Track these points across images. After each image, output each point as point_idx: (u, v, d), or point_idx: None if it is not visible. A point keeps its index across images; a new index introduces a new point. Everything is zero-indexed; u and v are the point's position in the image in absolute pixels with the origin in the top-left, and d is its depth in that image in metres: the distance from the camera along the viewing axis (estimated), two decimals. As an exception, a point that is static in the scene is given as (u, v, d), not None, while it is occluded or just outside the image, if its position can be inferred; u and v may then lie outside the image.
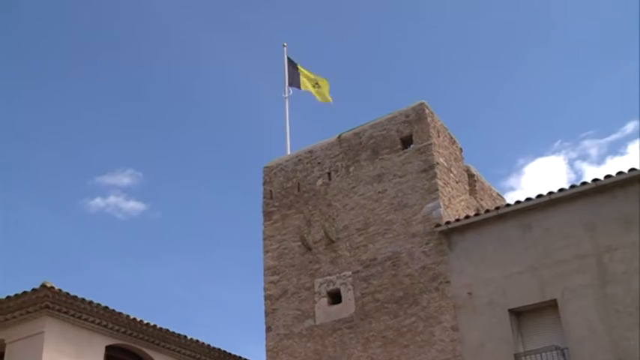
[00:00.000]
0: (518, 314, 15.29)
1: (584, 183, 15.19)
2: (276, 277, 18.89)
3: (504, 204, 17.58)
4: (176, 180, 45.53)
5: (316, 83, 22.54)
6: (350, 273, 17.85)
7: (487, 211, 16.72)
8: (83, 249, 42.59)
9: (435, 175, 17.50)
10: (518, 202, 15.96)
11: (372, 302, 17.24)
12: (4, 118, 41.86)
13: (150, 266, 43.35)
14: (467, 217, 16.70)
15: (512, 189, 47.08)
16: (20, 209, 41.35)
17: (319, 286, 18.15)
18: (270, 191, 20.04)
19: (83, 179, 45.90)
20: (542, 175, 46.51)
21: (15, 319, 15.71)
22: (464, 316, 15.78)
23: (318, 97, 22.48)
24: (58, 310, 15.72)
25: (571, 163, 46.82)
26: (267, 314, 18.65)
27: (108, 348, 16.70)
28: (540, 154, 51.57)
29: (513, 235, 15.74)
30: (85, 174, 45.95)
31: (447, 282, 16.35)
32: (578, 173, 45.33)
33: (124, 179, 47.34)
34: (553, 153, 48.58)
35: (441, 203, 17.18)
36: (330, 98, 22.61)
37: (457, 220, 16.72)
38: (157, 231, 44.57)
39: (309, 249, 18.64)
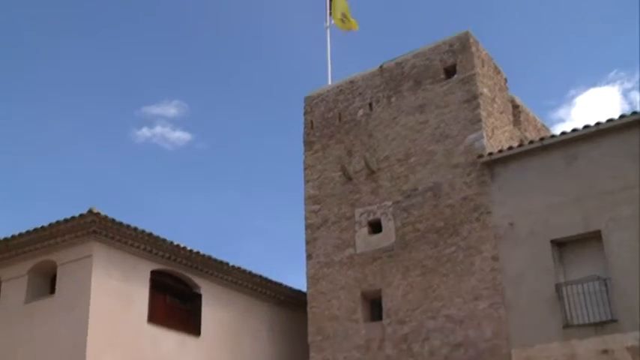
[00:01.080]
0: (560, 245, 15.27)
1: (635, 113, 14.85)
2: (316, 207, 19.06)
3: (549, 135, 17.30)
4: (221, 110, 45.67)
5: (343, 15, 21.88)
6: (390, 203, 17.93)
7: (531, 142, 16.52)
8: (130, 178, 43.31)
9: (478, 106, 17.28)
10: (563, 132, 15.72)
11: (413, 232, 17.35)
12: (51, 49, 42.17)
13: (195, 196, 44.02)
14: (510, 148, 16.53)
15: (561, 120, 46.10)
16: (69, 139, 42.06)
17: (360, 216, 18.29)
18: (311, 121, 20.03)
19: (130, 109, 46.24)
20: (594, 106, 45.22)
21: (65, 243, 16.18)
22: (504, 246, 15.81)
23: (341, 26, 21.86)
24: (105, 236, 16.13)
25: (625, 94, 45.35)
26: (308, 243, 18.92)
27: (153, 273, 17.15)
28: (593, 85, 50.04)
29: (557, 166, 15.57)
30: (132, 104, 46.26)
31: (488, 212, 16.34)
32: (632, 104, 44.04)
33: (171, 110, 47.66)
34: (607, 83, 47.04)
35: (484, 134, 17.00)
36: (353, 25, 22.01)
37: (500, 151, 16.56)
38: (203, 161, 44.99)
39: (350, 179, 18.72)
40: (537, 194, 15.66)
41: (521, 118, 19.44)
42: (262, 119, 45.81)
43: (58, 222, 16.02)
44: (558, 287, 14.76)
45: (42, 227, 16.16)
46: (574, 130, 15.50)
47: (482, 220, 16.42)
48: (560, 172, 15.50)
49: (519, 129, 19.14)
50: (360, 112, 19.24)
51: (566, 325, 14.47)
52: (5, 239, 16.47)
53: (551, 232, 15.24)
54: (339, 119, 19.55)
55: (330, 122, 19.70)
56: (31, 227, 16.29)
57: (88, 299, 15.53)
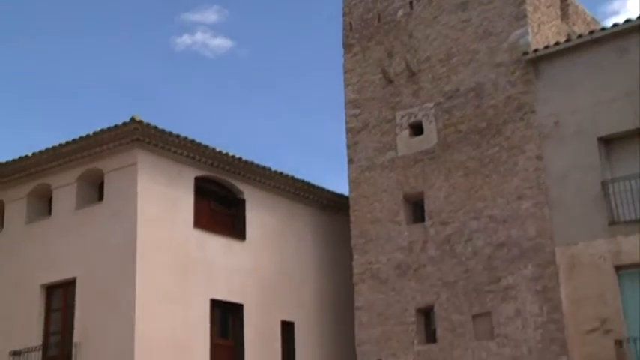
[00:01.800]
0: (608, 142, 14.95)
1: (690, 1, 14.11)
2: (357, 111, 18.90)
3: (599, 28, 16.61)
4: (260, 16, 44.88)
5: None
6: (432, 104, 17.66)
7: (580, 36, 15.93)
8: (172, 86, 43.29)
9: (523, 1, 16.62)
10: (615, 25, 15.07)
11: (455, 133, 17.14)
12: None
13: (236, 103, 43.99)
14: (557, 43, 15.97)
15: (615, 13, 43.99)
16: (111, 49, 42.05)
17: (401, 119, 18.10)
18: (350, 23, 19.58)
19: (170, 16, 45.68)
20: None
21: (110, 151, 16.47)
22: (549, 145, 15.55)
23: None
24: (149, 143, 16.33)
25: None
26: (349, 147, 18.89)
27: (197, 179, 17.42)
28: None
29: (607, 60, 15.03)
30: (172, 11, 45.52)
31: (533, 112, 16.00)
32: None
33: (211, 16, 47.01)
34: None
35: (530, 30, 16.43)
36: None
37: (546, 47, 16.02)
38: (244, 68, 44.61)
39: (390, 81, 18.43)
40: (585, 91, 15.21)
41: (570, 12, 18.64)
42: (301, 23, 45.00)
43: (102, 130, 16.25)
44: (604, 184, 14.54)
45: (87, 136, 16.42)
46: (627, 21, 14.83)
47: (526, 120, 16.10)
48: (610, 67, 14.96)
49: (567, 23, 18.40)
50: (400, 12, 18.70)
51: (612, 222, 14.34)
52: (53, 148, 16.83)
53: (598, 130, 14.89)
54: (379, 20, 19.06)
55: (369, 23, 19.23)
56: (77, 136, 16.60)
57: (135, 205, 15.91)
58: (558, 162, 15.31)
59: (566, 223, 14.89)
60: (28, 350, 15.96)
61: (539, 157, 15.71)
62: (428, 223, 17.21)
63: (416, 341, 16.81)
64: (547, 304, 15.04)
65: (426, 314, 17.07)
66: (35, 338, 16.27)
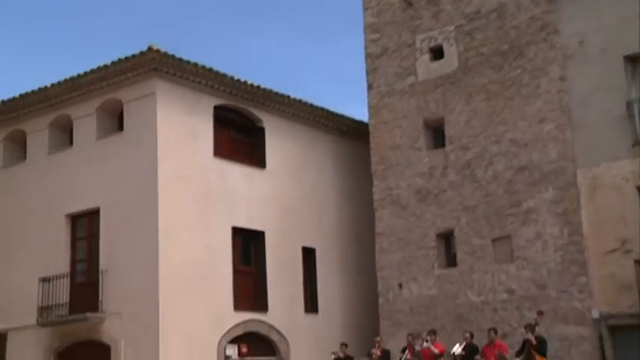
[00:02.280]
0: (634, 60, 14.59)
1: None
2: (376, 35, 18.57)
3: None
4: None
5: None
6: (453, 27, 17.28)
7: (606, -49, 15.30)
8: (189, 14, 42.71)
9: None
10: (643, -63, 14.46)
11: (476, 56, 16.82)
12: None
13: (254, 31, 43.39)
14: (582, -41, 15.40)
15: None
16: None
17: (421, 43, 17.77)
18: (368, -56, 19.03)
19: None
20: None
21: (128, 81, 16.42)
22: (573, 65, 15.22)
23: None
24: (167, 72, 16.24)
25: None
26: (368, 73, 18.65)
27: (216, 108, 17.37)
28: None
29: (634, -25, 14.48)
30: None
31: (556, 32, 15.61)
32: None
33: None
34: None
35: (554, -54, 15.84)
36: None
37: (571, -37, 15.46)
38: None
39: (410, 4, 18.01)
40: (610, 8, 14.77)
41: None
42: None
43: (120, 60, 16.17)
44: (629, 104, 14.26)
45: (105, 65, 16.36)
46: None
47: (549, 41, 15.72)
48: (637, -18, 14.44)
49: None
50: None
51: (636, 143, 14.14)
52: (72, 78, 16.82)
53: (624, 48, 14.51)
54: (398, -60, 18.51)
55: (388, -56, 18.68)
56: (95, 66, 16.56)
57: (155, 135, 15.96)
58: (582, 83, 15.00)
59: (589, 145, 14.70)
60: (57, 277, 16.36)
61: (562, 79, 15.40)
62: (448, 148, 17.09)
63: (436, 265, 16.96)
64: (567, 227, 15.02)
65: (446, 239, 17.15)
66: (63, 266, 16.66)
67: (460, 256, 16.60)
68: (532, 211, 15.55)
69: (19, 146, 18.52)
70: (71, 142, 17.51)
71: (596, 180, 14.54)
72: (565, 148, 15.22)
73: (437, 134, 17.66)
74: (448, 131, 17.14)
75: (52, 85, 17.15)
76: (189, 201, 16.19)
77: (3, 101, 18.09)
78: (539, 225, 15.41)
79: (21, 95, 17.71)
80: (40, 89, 17.37)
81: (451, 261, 16.98)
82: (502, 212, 15.99)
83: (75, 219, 17.19)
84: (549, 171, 15.41)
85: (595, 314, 14.31)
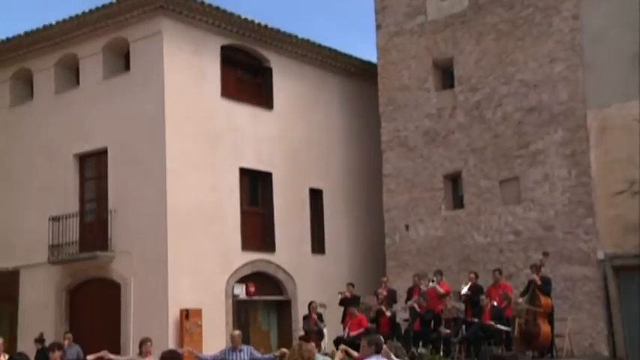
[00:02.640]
0: (649, -2, 14.24)
1: None
2: (385, -27, 18.18)
3: None
4: None
5: None
6: (464, -35, 16.89)
7: None
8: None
9: None
10: None
11: (487, -5, 16.48)
12: None
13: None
14: None
15: None
16: None
17: (431, -19, 17.40)
18: None
19: None
20: None
21: (134, 19, 16.22)
22: (587, 3, 14.90)
23: None
24: (173, 11, 16.04)
25: None
26: (377, 12, 18.35)
27: (223, 48, 17.17)
28: None
29: None
30: None
31: (571, -31, 15.21)
32: None
33: None
34: None
35: None
36: None
37: None
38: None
39: (421, -59, 17.58)
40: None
41: None
42: None
43: (125, -3, 15.98)
44: (643, 42, 14.00)
45: (110, 3, 16.18)
46: None
47: (563, -22, 15.37)
48: None
49: None
50: None
51: (648, 83, 13.94)
52: (77, 16, 16.64)
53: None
54: None
55: None
56: (100, 4, 16.36)
57: (162, 75, 15.85)
58: (596, 21, 14.72)
59: (600, 86, 14.52)
60: (66, 217, 16.51)
61: (575, 17, 15.12)
62: (457, 89, 16.93)
63: (443, 207, 17.00)
64: (576, 168, 14.96)
65: (454, 180, 17.15)
66: (72, 205, 16.79)
67: (467, 197, 16.62)
68: (540, 153, 15.48)
69: (25, 85, 18.48)
70: (78, 82, 17.44)
71: (606, 121, 14.42)
72: (576, 89, 15.04)
73: (446, 75, 17.48)
74: (457, 72, 16.95)
75: (58, 22, 16.98)
76: (196, 142, 16.17)
77: (8, 39, 17.95)
78: (547, 167, 15.36)
79: (26, 33, 17.56)
80: (45, 27, 17.22)
81: (458, 203, 17.01)
82: (510, 154, 15.92)
83: (83, 159, 17.24)
84: (559, 112, 15.27)
85: (600, 255, 14.38)
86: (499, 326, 12.56)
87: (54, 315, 16.65)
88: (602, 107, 14.45)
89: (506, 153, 15.97)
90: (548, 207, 15.25)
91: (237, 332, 11.28)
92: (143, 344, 10.57)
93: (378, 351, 7.59)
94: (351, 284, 15.66)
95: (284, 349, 9.82)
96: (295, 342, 8.32)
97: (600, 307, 14.33)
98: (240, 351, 10.88)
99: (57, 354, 9.36)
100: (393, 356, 7.75)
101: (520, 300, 13.02)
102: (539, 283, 12.82)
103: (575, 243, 14.78)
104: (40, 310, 16.71)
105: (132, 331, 15.08)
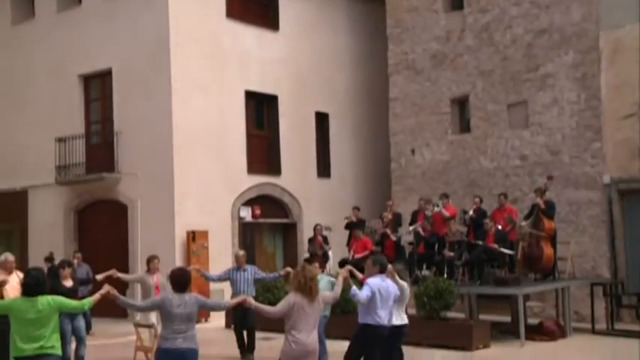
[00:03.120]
0: None
1: None
2: None
3: None
4: None
5: None
6: None
7: None
8: None
9: None
10: None
11: None
12: None
13: None
14: None
15: None
16: None
17: None
18: None
19: None
20: None
21: (135, -64, 15.82)
22: None
23: None
24: None
25: None
26: None
27: (228, -34, 16.82)
28: None
29: None
30: None
31: None
32: None
33: None
34: None
35: None
36: None
37: None
38: None
39: None
40: None
41: None
42: None
43: None
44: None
45: None
46: None
47: None
48: None
49: None
50: None
51: (663, 4, 13.58)
52: None
53: None
54: None
55: None
56: None
57: (166, -5, 15.53)
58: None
59: (614, 6, 14.15)
60: (72, 137, 16.51)
61: None
62: (466, 10, 16.55)
63: (449, 131, 16.90)
64: (585, 92, 14.75)
65: (461, 104, 16.99)
66: (78, 126, 16.78)
67: (474, 121, 16.48)
68: (550, 76, 15.24)
69: (27, 3, 18.19)
70: (80, 0, 17.11)
71: (618, 42, 14.12)
72: (589, 9, 14.66)
73: (455, -4, 17.07)
74: (467, -7, 16.54)
75: (59, -62, 16.58)
76: (201, 64, 15.99)
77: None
78: (557, 90, 15.15)
79: (26, -51, 17.19)
80: (45, -57, 16.83)
81: (465, 127, 16.89)
82: (519, 77, 15.69)
83: (87, 80, 17.13)
84: (571, 33, 14.95)
85: (606, 179, 14.34)
86: (503, 249, 12.67)
87: (63, 235, 16.90)
88: (616, 28, 14.12)
89: (515, 76, 15.74)
90: (556, 131, 15.12)
91: (241, 252, 11.38)
92: (151, 261, 10.64)
93: (382, 271, 7.74)
94: (357, 208, 15.74)
95: (289, 269, 9.92)
96: (300, 264, 8.43)
97: (604, 231, 14.40)
98: (245, 270, 11.00)
99: (67, 271, 9.47)
100: (397, 277, 7.83)
101: (524, 223, 13.10)
102: (542, 206, 12.87)
103: (581, 167, 14.73)
104: (49, 230, 16.95)
105: (139, 251, 15.31)
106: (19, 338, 6.01)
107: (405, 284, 8.09)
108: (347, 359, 7.81)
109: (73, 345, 9.49)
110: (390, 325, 7.75)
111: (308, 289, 6.41)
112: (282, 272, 10.99)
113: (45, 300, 6.09)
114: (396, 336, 7.98)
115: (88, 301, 6.42)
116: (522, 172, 15.60)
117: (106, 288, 6.47)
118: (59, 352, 6.18)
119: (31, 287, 6.10)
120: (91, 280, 12.12)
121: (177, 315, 6.25)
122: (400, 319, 8.07)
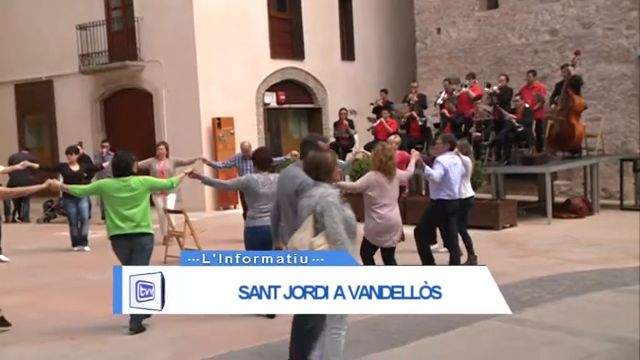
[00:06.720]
0: None
1: None
2: None
3: None
4: None
5: None
6: None
7: None
8: None
9: None
10: None
11: None
12: None
13: None
14: None
15: None
16: None
17: None
18: None
19: None
20: None
21: None
22: None
23: None
24: None
25: None
26: None
27: None
28: None
29: None
30: None
31: None
32: None
33: None
34: None
35: None
36: None
37: None
38: None
39: None
40: None
41: None
42: None
43: None
44: None
45: None
46: None
47: None
48: None
49: None
50: None
51: None
52: None
53: None
54: None
55: None
56: None
57: None
58: None
59: None
60: (93, 24, 16.25)
61: None
62: None
63: (476, 7, 16.36)
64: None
65: (489, -22, 16.32)
66: (98, 13, 16.45)
67: (503, -3, 15.89)
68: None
69: None
70: None
71: None
72: None
73: None
74: None
75: None
76: (220, -57, 15.40)
77: None
78: (591, -42, 14.41)
79: None
80: None
81: (492, 2, 16.30)
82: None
83: (105, -36, 16.66)
84: None
85: (640, 51, 13.90)
86: (507, 115, 12.28)
87: (90, 125, 17.01)
88: None
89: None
90: (589, 2, 14.49)
91: (247, 142, 11.23)
92: (157, 148, 10.97)
93: (451, 148, 7.98)
94: (385, 90, 15.51)
95: (294, 152, 9.67)
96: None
97: (636, 105, 14.08)
98: (251, 159, 10.91)
99: (74, 157, 10.37)
100: (461, 155, 8.07)
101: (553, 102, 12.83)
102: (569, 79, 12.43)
103: (615, 39, 14.20)
104: (76, 120, 17.06)
105: (166, 139, 15.36)
106: (115, 217, 6.16)
107: (468, 159, 8.44)
108: (419, 234, 8.08)
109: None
110: (460, 197, 8.10)
111: (388, 168, 6.68)
112: (288, 156, 10.84)
113: (137, 180, 6.27)
114: (464, 207, 8.41)
115: (176, 179, 6.67)
116: (552, 48, 15.15)
117: (189, 169, 6.71)
118: (152, 231, 6.33)
119: (121, 168, 6.24)
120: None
121: (263, 194, 6.27)
122: (467, 191, 8.51)
